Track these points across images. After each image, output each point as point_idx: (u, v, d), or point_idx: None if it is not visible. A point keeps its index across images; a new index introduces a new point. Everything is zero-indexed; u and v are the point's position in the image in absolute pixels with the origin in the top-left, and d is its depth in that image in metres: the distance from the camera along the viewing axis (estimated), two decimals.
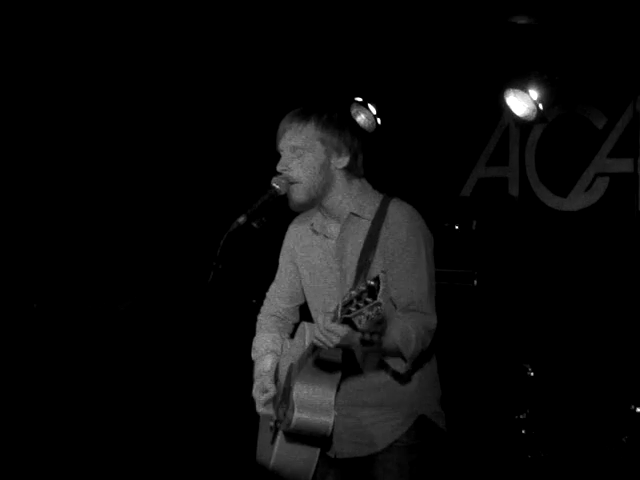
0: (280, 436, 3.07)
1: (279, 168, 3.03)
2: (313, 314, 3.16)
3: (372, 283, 2.45)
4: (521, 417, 5.25)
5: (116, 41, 5.57)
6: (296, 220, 3.24)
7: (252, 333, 3.36)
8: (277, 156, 3.06)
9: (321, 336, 2.68)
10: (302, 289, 3.20)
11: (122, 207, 6.05)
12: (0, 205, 5.70)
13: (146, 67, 5.85)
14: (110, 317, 5.94)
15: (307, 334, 2.95)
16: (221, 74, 5.99)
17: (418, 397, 3.04)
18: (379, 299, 2.44)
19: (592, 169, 5.63)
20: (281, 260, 3.28)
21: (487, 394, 5.39)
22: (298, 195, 3.00)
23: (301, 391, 2.94)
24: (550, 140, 5.83)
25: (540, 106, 5.33)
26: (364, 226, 2.99)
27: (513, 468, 5.19)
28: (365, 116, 5.93)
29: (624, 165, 5.47)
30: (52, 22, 5.32)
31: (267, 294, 3.35)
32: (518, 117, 5.49)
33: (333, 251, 3.05)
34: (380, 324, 2.69)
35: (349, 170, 3.03)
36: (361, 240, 2.98)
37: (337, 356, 2.89)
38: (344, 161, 3.01)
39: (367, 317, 2.48)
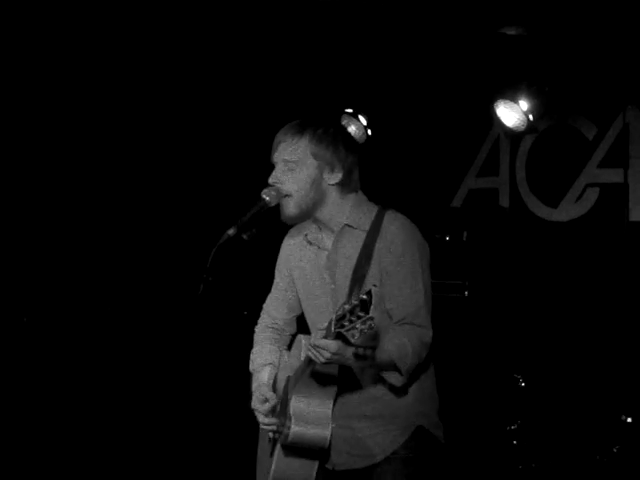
0: (278, 449, 3.06)
1: (271, 181, 3.02)
2: (310, 325, 3.15)
3: (365, 297, 2.44)
4: (512, 428, 5.25)
5: (116, 45, 5.55)
6: (292, 231, 3.23)
7: (243, 345, 3.35)
8: (268, 168, 3.06)
9: (311, 352, 2.68)
10: (298, 300, 3.20)
11: (114, 219, 6.03)
12: None
13: (144, 76, 5.84)
14: (102, 328, 5.92)
15: (303, 346, 2.94)
16: (215, 85, 5.98)
17: (416, 409, 3.03)
18: (372, 313, 2.43)
19: (582, 179, 5.65)
20: (276, 271, 3.28)
21: (478, 405, 5.38)
22: (289, 209, 3.00)
23: (298, 404, 2.93)
24: (540, 151, 5.84)
25: (530, 117, 5.35)
26: (359, 238, 2.98)
27: (504, 479, 5.18)
28: (355, 127, 5.94)
29: (614, 175, 5.49)
30: (52, 22, 5.30)
31: (263, 306, 3.34)
32: (508, 128, 5.50)
33: (326, 262, 3.05)
34: (374, 339, 2.68)
35: (342, 186, 3.02)
36: (355, 252, 2.97)
37: (333, 369, 2.88)
38: (337, 177, 3.00)
39: (360, 331, 2.47)
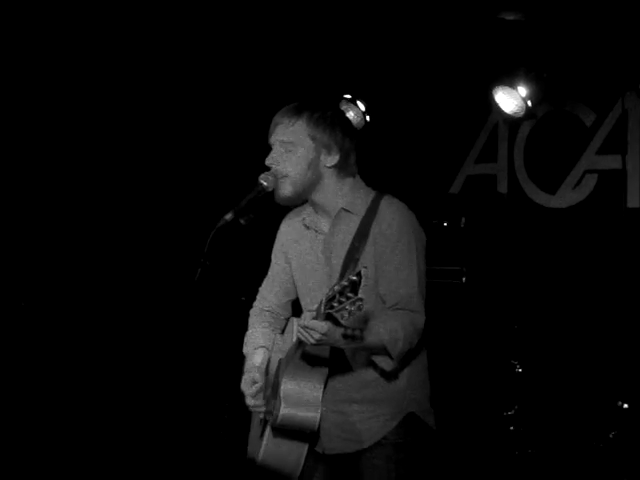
0: (268, 431, 3.07)
1: (268, 162, 3.03)
2: (303, 309, 3.15)
3: (354, 278, 2.45)
4: (509, 413, 5.26)
5: (107, 31, 5.54)
6: (289, 215, 3.24)
7: (241, 330, 3.35)
8: (266, 152, 3.06)
9: (301, 333, 2.68)
10: (294, 284, 3.20)
11: (109, 204, 6.02)
12: None
13: (138, 59, 5.83)
14: (98, 314, 5.93)
15: (295, 329, 2.95)
16: (212, 69, 5.97)
17: (407, 394, 3.04)
18: (360, 294, 2.43)
19: (581, 166, 5.64)
20: (273, 255, 3.29)
21: (475, 391, 5.39)
22: (284, 189, 3.01)
23: (288, 386, 2.94)
24: (539, 137, 5.84)
25: (529, 103, 5.34)
26: (355, 222, 2.99)
27: (501, 464, 5.20)
28: (354, 113, 5.92)
29: (613, 162, 5.48)
30: (52, 22, 5.30)
31: (259, 289, 3.35)
32: (507, 114, 5.50)
33: (322, 246, 3.06)
34: (364, 321, 2.68)
35: (339, 169, 3.02)
36: (351, 236, 2.98)
37: (324, 351, 2.89)
38: (334, 160, 3.01)
39: (349, 312, 2.48)
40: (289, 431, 3.00)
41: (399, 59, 5.84)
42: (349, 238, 2.98)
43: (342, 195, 3.03)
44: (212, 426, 5.63)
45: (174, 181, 6.15)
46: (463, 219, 5.63)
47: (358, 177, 3.10)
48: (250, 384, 3.10)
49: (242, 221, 2.98)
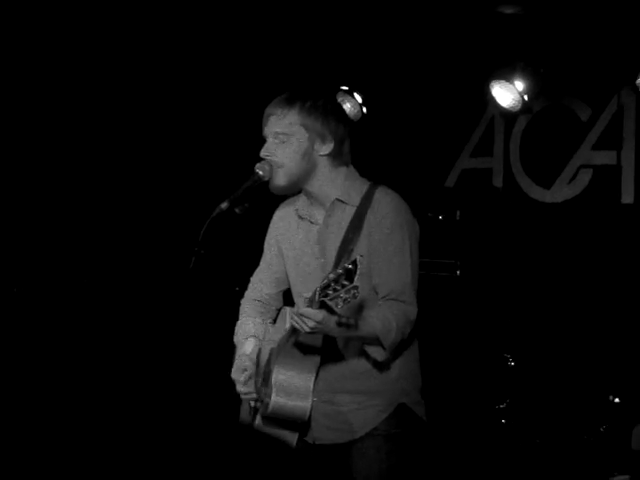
0: (259, 419, 3.07)
1: (262, 154, 3.02)
2: (295, 299, 3.16)
3: (350, 266, 2.45)
4: (501, 407, 5.28)
5: (104, 28, 5.54)
6: (282, 205, 3.24)
7: (234, 320, 3.36)
8: (262, 142, 3.06)
9: (295, 321, 2.69)
10: (286, 274, 3.20)
11: (104, 191, 6.02)
12: None
13: (132, 49, 5.82)
14: (93, 302, 5.93)
15: (288, 318, 2.95)
16: (209, 61, 5.97)
17: (398, 385, 3.04)
18: (356, 282, 2.44)
19: (576, 161, 5.65)
20: (266, 245, 3.28)
21: (468, 383, 5.41)
22: (278, 179, 3.00)
23: (280, 375, 2.94)
24: (534, 132, 5.85)
25: (525, 97, 5.35)
26: (349, 212, 2.99)
27: (492, 458, 5.21)
28: (351, 105, 5.93)
29: (608, 157, 5.49)
30: (52, 22, 5.29)
31: (251, 279, 3.34)
32: (503, 108, 5.50)
33: (316, 236, 3.06)
34: (358, 309, 2.69)
35: (334, 157, 3.02)
36: (345, 226, 2.97)
37: (317, 340, 2.89)
38: (328, 148, 3.00)
39: (344, 300, 2.48)
40: (279, 420, 3.00)
41: (396, 52, 5.85)
42: (343, 228, 2.98)
43: (336, 185, 3.02)
44: (203, 415, 5.64)
45: (170, 170, 6.15)
46: (458, 212, 5.64)
47: (352, 167, 3.09)
48: (241, 371, 3.10)
49: (237, 210, 2.98)
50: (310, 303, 2.64)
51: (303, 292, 3.03)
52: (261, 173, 3.00)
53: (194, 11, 5.51)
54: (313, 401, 2.98)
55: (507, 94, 5.42)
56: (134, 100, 6.01)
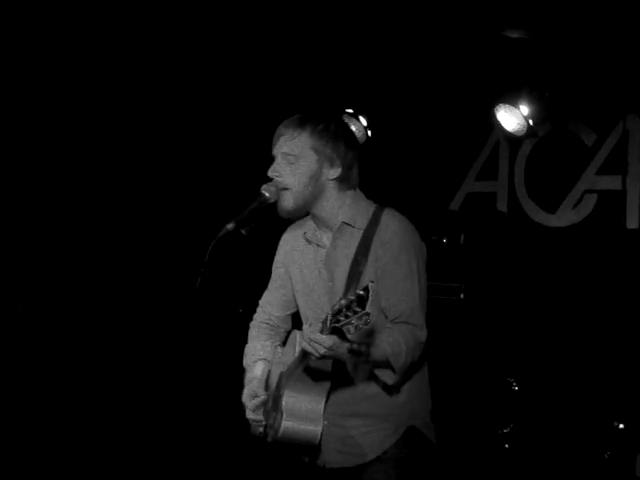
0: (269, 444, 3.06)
1: (270, 174, 3.03)
2: (304, 322, 3.14)
3: (362, 293, 2.45)
4: (505, 431, 5.25)
5: (116, 43, 5.55)
6: (290, 228, 3.24)
7: (239, 341, 3.35)
8: (269, 163, 3.07)
9: (307, 346, 2.68)
10: (294, 297, 3.20)
11: (109, 212, 6.02)
12: None
13: (143, 71, 5.84)
14: (99, 321, 5.92)
15: (298, 342, 2.94)
16: (216, 79, 5.98)
17: (408, 408, 3.03)
18: (368, 309, 2.43)
19: (581, 186, 5.65)
20: (274, 268, 3.28)
21: (472, 407, 5.38)
22: (286, 202, 3.00)
23: (290, 399, 2.93)
24: (539, 156, 5.85)
25: (530, 122, 5.36)
26: (356, 236, 2.99)
27: None
28: (356, 128, 5.93)
29: (613, 182, 5.50)
30: (52, 22, 5.30)
31: (259, 301, 3.34)
32: (508, 132, 5.51)
33: (324, 260, 3.05)
34: (369, 335, 2.68)
35: (341, 181, 3.02)
36: (353, 250, 2.97)
37: (327, 365, 2.88)
38: (336, 172, 3.01)
39: (356, 327, 2.48)
40: (290, 444, 2.98)
41: (402, 75, 5.86)
42: (351, 252, 2.97)
43: (343, 208, 3.03)
44: (208, 436, 5.61)
45: (177, 190, 6.15)
46: (463, 236, 5.64)
47: (358, 190, 3.09)
48: (251, 397, 3.09)
49: (243, 231, 2.98)
50: (322, 328, 2.63)
51: (312, 315, 3.03)
52: (267, 195, 3.00)
53: (203, 28, 5.53)
54: (324, 425, 2.97)
55: (512, 118, 5.43)
56: (145, 120, 6.02)
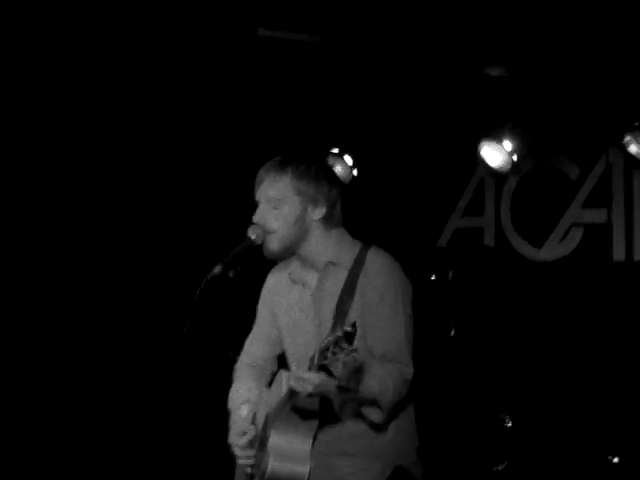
0: None
1: (255, 219, 3.03)
2: (290, 363, 3.14)
3: (349, 329, 2.45)
4: (499, 468, 5.22)
5: (119, 52, 5.54)
6: (275, 269, 3.23)
7: (228, 384, 3.33)
8: (254, 205, 3.07)
9: (295, 384, 2.67)
10: (280, 338, 3.18)
11: (101, 253, 5.99)
12: None
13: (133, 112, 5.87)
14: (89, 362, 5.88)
15: (284, 381, 2.92)
16: (199, 126, 6.01)
17: (395, 447, 3.01)
18: (355, 345, 2.43)
19: (567, 219, 5.69)
20: (259, 309, 3.27)
21: (465, 445, 5.36)
22: (272, 244, 3.01)
23: (277, 440, 2.90)
24: (525, 191, 5.89)
25: (514, 157, 5.39)
26: (342, 275, 2.98)
27: None
28: (341, 167, 5.96)
29: (598, 215, 5.53)
30: (52, 22, 5.29)
31: (245, 344, 3.32)
32: (493, 168, 5.55)
33: (310, 301, 3.05)
34: (357, 372, 2.67)
35: (326, 220, 3.03)
36: (339, 289, 2.97)
37: (314, 404, 2.86)
38: (321, 212, 3.01)
39: (343, 363, 2.48)
40: None
41: (386, 114, 5.91)
42: (337, 291, 2.97)
43: (328, 248, 3.02)
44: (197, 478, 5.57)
45: (164, 233, 6.14)
46: (451, 272, 5.65)
47: (343, 229, 3.10)
48: (240, 435, 3.07)
49: (230, 274, 2.98)
50: (309, 366, 2.62)
51: (298, 355, 3.01)
52: (253, 237, 3.00)
53: (183, 69, 5.55)
54: (311, 466, 2.94)
55: (496, 154, 5.47)
56: (131, 165, 6.03)
